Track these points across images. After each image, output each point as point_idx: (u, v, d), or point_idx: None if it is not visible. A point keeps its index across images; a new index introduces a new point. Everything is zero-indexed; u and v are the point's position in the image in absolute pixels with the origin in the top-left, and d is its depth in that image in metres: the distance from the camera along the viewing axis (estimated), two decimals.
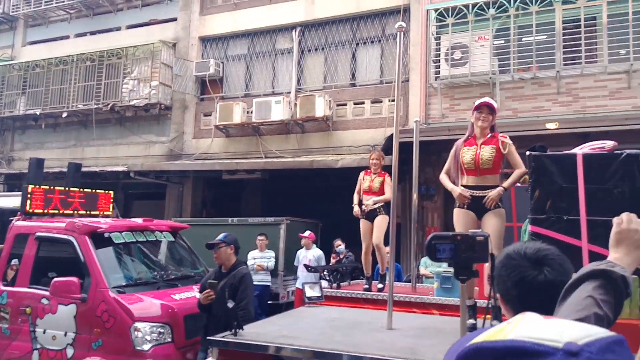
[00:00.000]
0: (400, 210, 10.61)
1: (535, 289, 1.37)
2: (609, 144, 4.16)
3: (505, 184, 4.35)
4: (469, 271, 1.78)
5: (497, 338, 0.72)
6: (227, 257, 5.07)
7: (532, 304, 1.31)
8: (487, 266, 3.91)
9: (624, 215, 1.34)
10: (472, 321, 4.14)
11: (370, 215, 6.12)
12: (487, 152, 4.36)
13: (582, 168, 3.77)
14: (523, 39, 10.05)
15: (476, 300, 4.43)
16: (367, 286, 5.79)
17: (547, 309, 1.32)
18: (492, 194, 4.28)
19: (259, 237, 9.53)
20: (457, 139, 4.62)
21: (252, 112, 12.00)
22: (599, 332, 0.72)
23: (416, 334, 4.10)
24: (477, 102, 4.50)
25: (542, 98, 9.69)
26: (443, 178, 4.66)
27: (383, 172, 6.11)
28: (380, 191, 6.00)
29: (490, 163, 4.34)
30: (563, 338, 0.70)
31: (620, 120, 8.80)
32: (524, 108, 9.65)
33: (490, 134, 4.46)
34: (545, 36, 9.70)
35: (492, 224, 4.28)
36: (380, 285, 5.79)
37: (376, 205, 5.98)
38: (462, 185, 4.44)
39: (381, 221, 5.93)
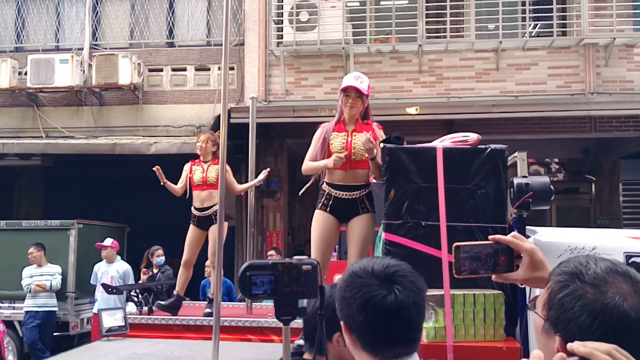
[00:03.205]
0: (235, 211, 10.74)
1: (384, 312, 1.51)
2: (473, 136, 4.68)
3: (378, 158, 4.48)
4: (293, 309, 1.73)
5: None
6: None
7: (382, 329, 1.52)
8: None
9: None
10: None
11: (203, 222, 6.17)
12: (360, 140, 4.52)
13: (443, 165, 4.20)
14: (381, 3, 10.75)
15: None
16: (209, 310, 5.79)
17: (397, 334, 1.53)
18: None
19: (30, 250, 9.12)
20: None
21: (26, 74, 11.35)
22: None
23: None
24: (344, 83, 4.68)
25: (402, 76, 10.49)
26: (308, 164, 4.72)
27: (217, 160, 6.11)
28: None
29: (364, 154, 4.51)
30: None
31: (487, 107, 9.89)
32: (382, 88, 10.35)
33: (363, 121, 4.70)
34: (407, 1, 10.48)
35: (357, 232, 4.56)
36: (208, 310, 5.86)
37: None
38: (326, 183, 4.66)
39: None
